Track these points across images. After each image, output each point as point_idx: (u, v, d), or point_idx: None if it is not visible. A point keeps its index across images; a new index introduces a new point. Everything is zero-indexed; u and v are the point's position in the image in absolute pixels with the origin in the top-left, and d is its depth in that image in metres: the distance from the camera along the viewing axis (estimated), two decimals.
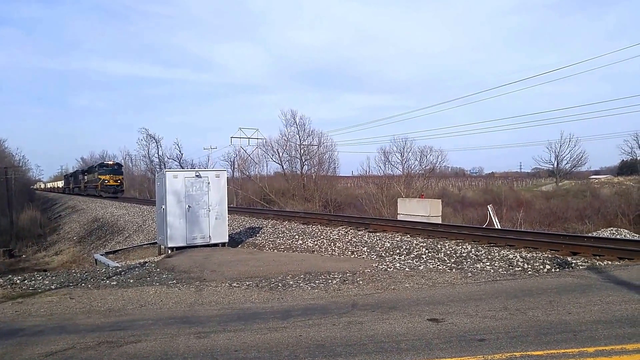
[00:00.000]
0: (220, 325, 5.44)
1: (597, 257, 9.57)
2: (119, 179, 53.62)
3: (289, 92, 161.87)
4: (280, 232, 16.29)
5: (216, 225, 13.88)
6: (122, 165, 60.02)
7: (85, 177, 60.88)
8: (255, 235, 16.40)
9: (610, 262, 9.08)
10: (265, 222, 19.07)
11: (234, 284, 8.17)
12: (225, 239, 14.00)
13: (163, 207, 13.58)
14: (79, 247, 25.92)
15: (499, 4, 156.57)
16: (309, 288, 7.71)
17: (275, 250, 13.67)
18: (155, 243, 15.85)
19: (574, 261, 9.27)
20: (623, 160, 68.82)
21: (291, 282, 8.23)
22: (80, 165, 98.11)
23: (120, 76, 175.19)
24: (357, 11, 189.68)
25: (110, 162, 57.32)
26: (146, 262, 11.77)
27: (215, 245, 13.78)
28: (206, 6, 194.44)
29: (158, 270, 10.31)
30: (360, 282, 7.93)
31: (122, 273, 10.06)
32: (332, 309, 6.13)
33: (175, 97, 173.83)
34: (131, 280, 9.12)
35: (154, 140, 69.44)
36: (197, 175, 13.95)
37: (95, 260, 15.72)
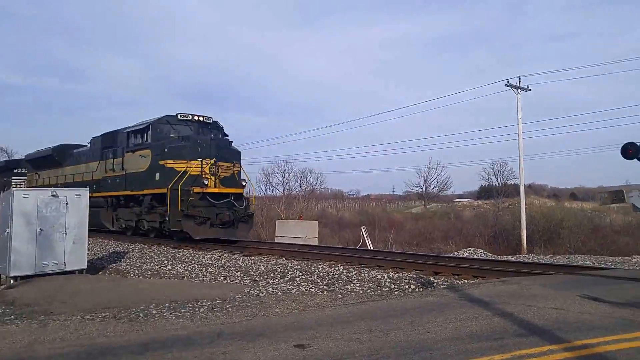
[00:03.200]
0: None
1: (456, 276, 10.42)
2: (236, 171, 17.95)
3: (169, 109, 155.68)
4: (147, 257, 15.33)
5: (73, 250, 12.60)
6: (224, 131, 19.33)
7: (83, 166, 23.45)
8: (120, 261, 15.23)
9: (466, 281, 9.92)
10: (132, 246, 17.84)
11: (88, 317, 7.43)
12: (84, 266, 12.76)
13: (7, 230, 12.02)
14: None
15: (383, 37, 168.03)
16: (174, 317, 7.29)
17: (141, 277, 12.80)
18: None
19: (436, 280, 9.98)
20: (482, 185, 76.91)
21: (154, 312, 7.72)
22: None
23: None
24: (246, 32, 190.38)
25: (198, 116, 18.46)
26: None
27: (71, 272, 12.48)
28: (81, 13, 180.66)
29: None
30: (230, 309, 7.69)
31: None
32: (196, 339, 5.82)
33: (38, 108, 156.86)
34: None
35: (6, 156, 61.81)
36: (53, 195, 12.61)
37: None
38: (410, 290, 9.34)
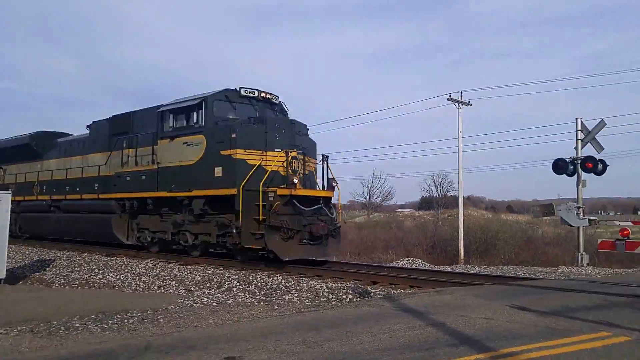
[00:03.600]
0: None
1: (393, 286, 10.59)
2: (313, 169, 14.64)
3: (103, 109, 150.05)
4: (77, 265, 14.61)
5: None
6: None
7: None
8: (45, 269, 14.39)
9: (403, 290, 10.09)
10: (60, 254, 16.92)
11: (1, 330, 6.93)
12: (2, 275, 11.94)
13: None
14: None
15: (332, 48, 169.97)
16: (99, 330, 6.94)
17: (67, 287, 12.15)
18: None
19: (373, 290, 10.09)
20: (423, 196, 79.13)
21: (77, 325, 7.31)
22: None
23: None
24: (192, 36, 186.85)
25: (265, 92, 14.59)
26: None
27: None
28: (13, 8, 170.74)
29: None
30: (161, 321, 7.43)
31: None
32: (120, 353, 5.56)
33: None
34: None
35: None
36: None
37: None
38: (347, 300, 9.39)
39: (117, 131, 16.62)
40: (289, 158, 12.90)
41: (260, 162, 12.68)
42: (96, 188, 16.93)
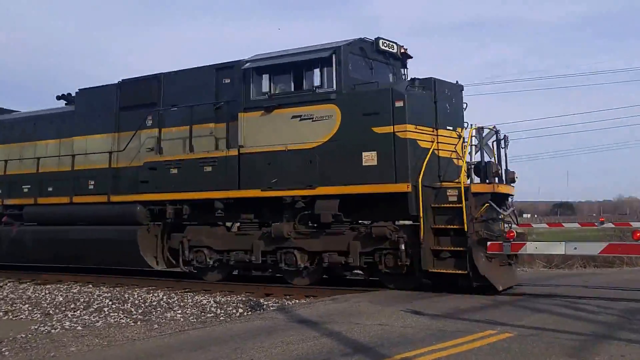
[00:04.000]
0: None
1: (288, 297, 10.54)
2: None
3: None
4: None
5: None
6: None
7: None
8: None
9: (297, 301, 10.09)
10: None
11: None
12: None
13: None
14: None
15: (237, 38, 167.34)
16: None
17: None
18: None
19: (266, 302, 9.99)
20: None
21: None
22: None
23: None
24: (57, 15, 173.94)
25: (404, 48, 11.40)
26: None
27: None
28: None
29: None
30: (6, 354, 6.72)
31: None
32: None
33: None
34: None
35: None
36: None
37: None
38: (237, 314, 9.25)
39: (131, 103, 12.56)
40: (462, 139, 10.37)
41: (432, 146, 9.88)
42: (91, 187, 12.76)
